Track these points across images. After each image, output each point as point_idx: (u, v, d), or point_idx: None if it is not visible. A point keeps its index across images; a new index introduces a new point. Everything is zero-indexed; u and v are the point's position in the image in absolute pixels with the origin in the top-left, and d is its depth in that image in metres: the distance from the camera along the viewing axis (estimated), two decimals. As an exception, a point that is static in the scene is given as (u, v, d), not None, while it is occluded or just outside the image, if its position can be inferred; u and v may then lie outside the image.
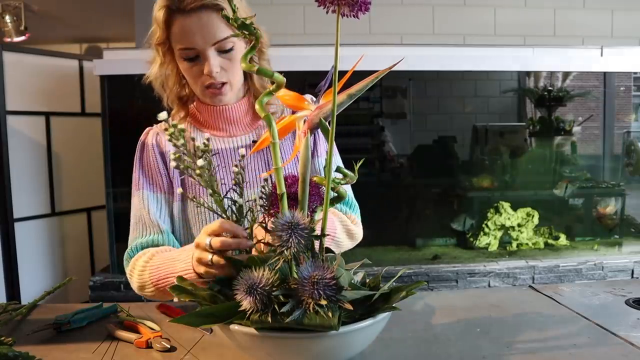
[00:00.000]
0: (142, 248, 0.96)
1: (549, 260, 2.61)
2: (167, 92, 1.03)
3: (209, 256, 0.70)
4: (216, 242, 0.69)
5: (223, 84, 0.96)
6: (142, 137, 1.05)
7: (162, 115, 0.65)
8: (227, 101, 1.01)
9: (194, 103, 1.05)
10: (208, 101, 1.01)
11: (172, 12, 0.90)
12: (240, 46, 0.96)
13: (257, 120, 1.06)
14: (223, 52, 0.93)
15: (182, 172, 0.67)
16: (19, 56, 2.61)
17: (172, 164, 0.66)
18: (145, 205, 0.98)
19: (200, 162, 0.65)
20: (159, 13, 0.92)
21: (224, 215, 0.72)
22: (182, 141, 0.65)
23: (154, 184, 1.01)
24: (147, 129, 1.07)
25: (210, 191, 0.68)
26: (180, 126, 0.65)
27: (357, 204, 1.11)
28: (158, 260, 0.90)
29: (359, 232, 1.07)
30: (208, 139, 0.68)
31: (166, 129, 0.65)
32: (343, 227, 1.02)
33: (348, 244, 1.04)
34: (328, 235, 0.87)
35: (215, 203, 0.70)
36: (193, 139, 0.67)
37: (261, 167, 1.03)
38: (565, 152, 3.06)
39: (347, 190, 1.08)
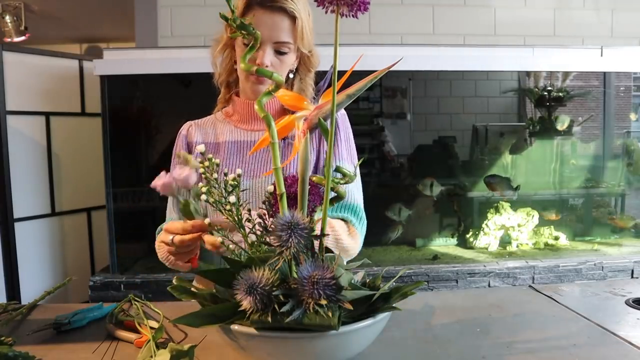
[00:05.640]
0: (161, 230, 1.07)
1: (549, 260, 2.61)
2: (220, 70, 1.14)
3: (169, 237, 0.78)
4: (176, 239, 0.78)
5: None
6: (180, 129, 1.15)
7: (201, 147, 0.71)
8: (260, 90, 1.06)
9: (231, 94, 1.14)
10: (248, 88, 1.08)
11: (252, 3, 0.99)
12: (292, 57, 1.05)
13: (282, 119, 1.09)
14: (278, 52, 1.02)
15: (211, 205, 0.70)
16: (19, 56, 2.61)
17: (203, 197, 0.70)
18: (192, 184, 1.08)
19: (232, 198, 0.67)
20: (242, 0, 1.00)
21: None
22: (215, 175, 0.67)
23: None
24: (186, 122, 1.16)
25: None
26: (216, 161, 0.70)
27: (365, 218, 1.07)
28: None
29: (351, 246, 1.02)
30: (239, 175, 0.70)
31: (201, 162, 0.69)
32: (334, 238, 0.98)
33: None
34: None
35: (242, 236, 0.71)
36: (226, 174, 0.69)
37: (292, 166, 1.05)
38: (565, 152, 3.06)
39: (359, 202, 1.07)
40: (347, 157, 1.09)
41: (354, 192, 1.07)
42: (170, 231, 0.78)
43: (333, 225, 0.99)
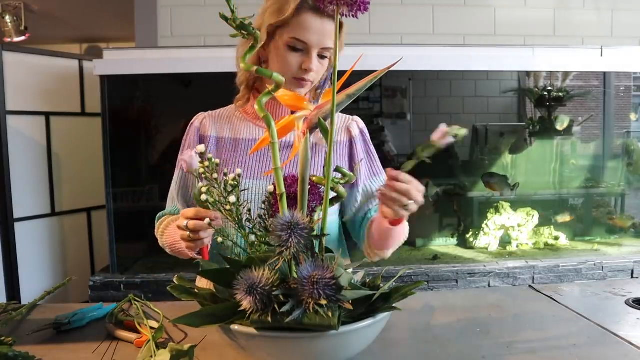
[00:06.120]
0: (164, 215, 1.09)
1: (549, 260, 2.61)
2: (242, 71, 1.10)
3: (184, 222, 0.79)
4: (191, 224, 0.79)
5: (308, 81, 1.04)
6: (193, 119, 1.13)
7: (200, 147, 0.71)
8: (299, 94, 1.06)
9: (252, 94, 1.11)
10: (289, 89, 1.06)
11: (305, 6, 0.97)
12: (327, 61, 1.05)
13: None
14: (320, 57, 1.01)
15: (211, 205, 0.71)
16: (19, 56, 2.61)
17: (203, 197, 0.73)
18: (174, 181, 1.10)
19: (232, 198, 0.67)
20: (294, 2, 0.98)
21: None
22: (215, 175, 0.67)
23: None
24: (200, 113, 1.14)
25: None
26: (216, 161, 0.70)
27: None
28: (171, 229, 1.00)
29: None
30: (239, 175, 0.70)
31: (201, 163, 0.69)
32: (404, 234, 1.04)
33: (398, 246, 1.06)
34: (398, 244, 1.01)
35: (242, 236, 0.71)
36: (226, 174, 0.69)
37: (317, 167, 1.05)
38: (565, 152, 3.06)
39: None
40: (377, 170, 1.11)
41: None
42: (185, 216, 0.80)
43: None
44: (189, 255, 0.87)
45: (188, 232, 0.79)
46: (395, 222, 0.90)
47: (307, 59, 0.99)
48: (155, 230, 1.08)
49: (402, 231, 1.00)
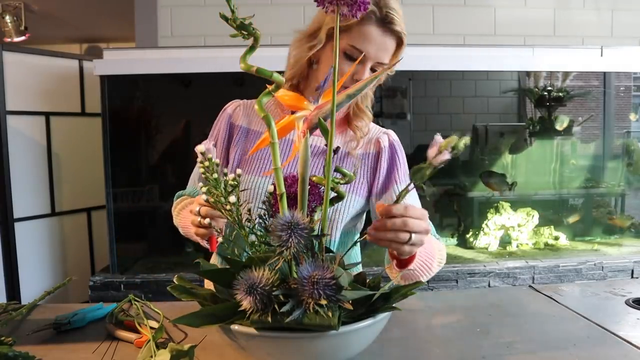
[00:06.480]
0: (183, 195, 1.10)
1: (549, 260, 2.61)
2: (290, 69, 1.06)
3: (196, 207, 0.81)
4: (203, 210, 0.80)
5: None
6: (226, 105, 1.11)
7: (200, 147, 0.70)
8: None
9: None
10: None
11: (371, 16, 0.94)
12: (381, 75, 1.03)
13: (342, 130, 1.08)
14: (371, 70, 0.99)
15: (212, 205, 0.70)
16: (19, 56, 2.61)
17: (202, 196, 0.72)
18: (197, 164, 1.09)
19: (232, 198, 0.67)
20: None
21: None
22: (215, 175, 0.67)
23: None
24: (235, 100, 1.12)
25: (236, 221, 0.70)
26: (216, 161, 0.69)
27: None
28: (185, 212, 1.00)
29: (445, 257, 0.98)
30: (239, 175, 0.69)
31: (201, 162, 0.69)
32: (439, 256, 0.95)
33: (434, 273, 0.96)
34: (428, 268, 0.89)
35: (242, 237, 0.70)
36: (226, 174, 0.69)
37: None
38: (565, 152, 3.06)
39: (420, 205, 1.00)
40: (405, 183, 1.03)
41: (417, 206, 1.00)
42: (199, 202, 0.80)
43: (438, 245, 0.95)
44: (198, 240, 0.87)
45: (199, 218, 0.80)
46: (404, 263, 0.80)
47: (360, 69, 0.96)
48: (172, 208, 1.08)
49: (429, 258, 0.89)
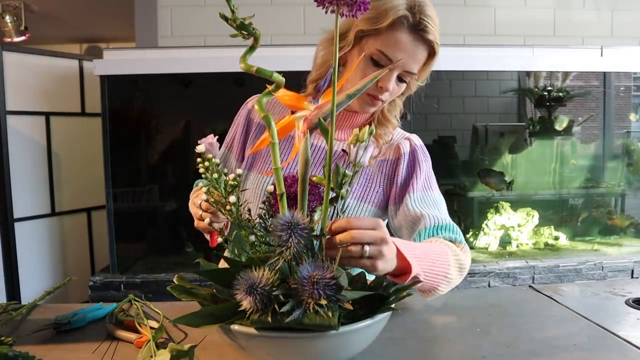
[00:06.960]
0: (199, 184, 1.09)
1: (549, 260, 2.61)
2: (316, 70, 1.03)
3: (199, 201, 0.82)
4: (204, 204, 0.81)
5: (380, 101, 0.97)
6: (248, 99, 1.10)
7: (200, 148, 0.70)
8: (367, 111, 1.01)
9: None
10: (356, 104, 0.98)
11: (403, 22, 0.89)
12: (412, 85, 1.01)
13: None
14: (400, 79, 0.96)
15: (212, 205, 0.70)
16: (19, 56, 2.61)
17: (203, 197, 0.71)
18: (217, 156, 1.09)
19: (232, 198, 0.67)
20: (394, 11, 0.89)
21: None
22: (216, 175, 0.67)
23: (228, 140, 1.11)
24: (257, 95, 1.11)
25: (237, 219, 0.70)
26: (216, 161, 0.69)
27: (454, 224, 0.95)
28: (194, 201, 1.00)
29: (468, 262, 0.91)
30: (239, 175, 0.69)
31: (201, 162, 0.68)
32: (456, 261, 0.88)
33: (458, 280, 0.89)
34: (442, 275, 0.82)
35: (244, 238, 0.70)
36: (225, 174, 0.69)
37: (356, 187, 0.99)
38: (565, 152, 3.06)
39: (442, 210, 0.98)
40: (422, 190, 0.99)
41: (445, 214, 0.98)
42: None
43: (454, 249, 0.89)
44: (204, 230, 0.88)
45: (201, 212, 0.81)
46: (399, 277, 0.73)
47: (385, 77, 0.92)
48: (190, 194, 1.07)
49: (442, 265, 0.82)
